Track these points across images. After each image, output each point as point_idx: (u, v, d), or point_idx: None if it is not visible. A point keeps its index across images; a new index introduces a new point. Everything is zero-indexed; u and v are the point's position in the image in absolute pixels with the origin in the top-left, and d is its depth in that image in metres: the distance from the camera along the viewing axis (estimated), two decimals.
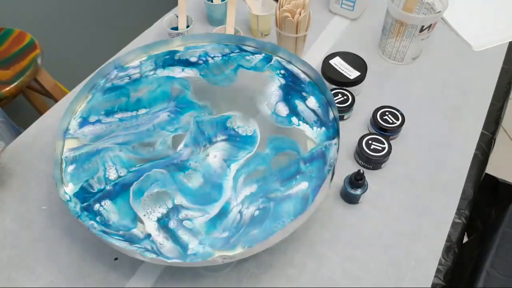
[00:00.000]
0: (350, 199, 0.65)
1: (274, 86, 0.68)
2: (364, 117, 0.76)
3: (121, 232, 0.54)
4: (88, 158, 0.60)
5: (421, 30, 0.77)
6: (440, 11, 0.75)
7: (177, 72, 0.70)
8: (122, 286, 0.58)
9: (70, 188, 0.57)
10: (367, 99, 0.78)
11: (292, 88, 0.68)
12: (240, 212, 0.55)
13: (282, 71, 0.70)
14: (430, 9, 0.80)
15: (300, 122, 0.63)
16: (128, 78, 0.70)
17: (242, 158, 0.60)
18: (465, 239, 0.73)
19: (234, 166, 0.59)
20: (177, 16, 0.85)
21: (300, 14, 0.74)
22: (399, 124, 0.70)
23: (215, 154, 0.60)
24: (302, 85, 0.68)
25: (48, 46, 1.28)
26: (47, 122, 0.77)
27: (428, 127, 0.75)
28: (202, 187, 0.58)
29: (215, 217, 0.55)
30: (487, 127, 0.75)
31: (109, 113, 0.65)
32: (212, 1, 0.91)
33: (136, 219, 0.55)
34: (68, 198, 0.56)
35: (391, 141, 0.69)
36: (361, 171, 0.61)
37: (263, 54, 0.72)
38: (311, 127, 0.63)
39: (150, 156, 0.60)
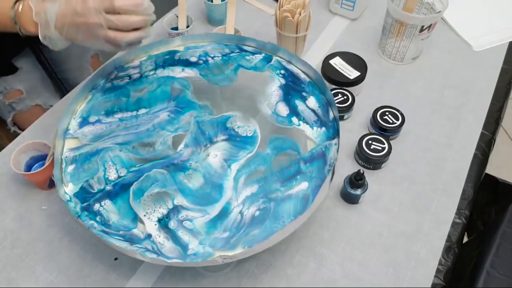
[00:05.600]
0: (350, 199, 0.65)
1: (274, 86, 0.68)
2: (364, 117, 0.76)
3: (121, 232, 0.54)
4: (88, 158, 0.60)
5: (421, 30, 0.77)
6: (440, 11, 0.76)
7: (177, 72, 0.70)
8: (122, 286, 0.58)
9: (70, 188, 0.57)
10: (367, 99, 0.78)
11: (292, 88, 0.68)
12: (241, 212, 0.55)
13: (282, 71, 0.70)
14: (430, 9, 0.80)
15: (300, 122, 0.63)
16: (128, 78, 0.70)
17: (242, 158, 0.60)
18: (465, 239, 0.73)
19: (234, 166, 0.59)
20: (177, 16, 0.85)
21: (300, 14, 0.74)
22: (399, 124, 0.70)
23: (216, 154, 0.60)
24: (302, 85, 0.68)
25: None
26: (47, 122, 0.77)
27: (428, 127, 0.75)
28: (203, 187, 0.57)
29: (215, 217, 0.55)
30: (487, 127, 0.75)
31: (109, 113, 0.65)
32: (212, 1, 0.91)
33: (136, 219, 0.55)
34: (68, 198, 0.56)
35: (391, 141, 0.69)
36: (361, 171, 0.61)
37: (263, 54, 0.72)
38: (311, 127, 0.63)
39: (150, 156, 0.60)
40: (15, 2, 0.57)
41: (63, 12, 0.55)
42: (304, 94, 0.67)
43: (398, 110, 0.72)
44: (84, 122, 0.64)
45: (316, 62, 0.84)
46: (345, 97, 0.74)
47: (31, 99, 0.87)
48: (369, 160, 0.67)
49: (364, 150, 0.67)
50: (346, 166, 0.70)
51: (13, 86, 0.85)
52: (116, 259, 0.60)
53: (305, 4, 0.75)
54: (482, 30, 0.91)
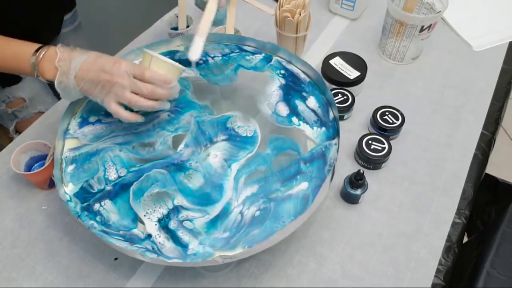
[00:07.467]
0: (350, 199, 0.65)
1: (274, 86, 0.68)
2: (364, 117, 0.76)
3: (121, 232, 0.54)
4: (88, 158, 0.60)
5: (421, 30, 0.77)
6: (440, 11, 0.76)
7: None
8: (122, 286, 0.58)
9: (70, 188, 0.57)
10: (367, 99, 0.78)
11: (292, 88, 0.68)
12: (241, 212, 0.55)
13: (282, 71, 0.70)
14: (430, 9, 0.80)
15: (301, 122, 0.63)
16: None
17: (243, 158, 0.60)
18: (465, 239, 0.73)
19: (235, 166, 0.59)
20: (177, 16, 0.85)
21: (300, 14, 0.74)
22: (399, 124, 0.70)
23: (216, 154, 0.60)
24: (302, 85, 0.68)
25: None
26: (47, 122, 0.77)
27: (428, 127, 0.75)
28: (203, 187, 0.57)
29: (215, 217, 0.55)
30: (487, 127, 0.75)
31: (109, 113, 0.65)
32: None
33: (136, 219, 0.55)
34: (68, 198, 0.56)
35: (391, 141, 0.69)
36: (361, 171, 0.61)
37: (263, 54, 0.72)
38: (311, 127, 0.63)
39: (150, 156, 0.60)
40: (37, 50, 0.57)
41: (89, 66, 0.55)
42: (304, 94, 0.67)
43: (398, 110, 0.72)
44: (84, 122, 0.64)
45: (316, 62, 0.84)
46: (345, 97, 0.74)
47: (34, 107, 0.88)
48: (369, 160, 0.67)
49: (364, 150, 0.67)
50: (346, 166, 0.70)
51: (16, 94, 0.85)
52: (116, 259, 0.60)
53: (305, 4, 0.75)
54: (482, 30, 0.91)
